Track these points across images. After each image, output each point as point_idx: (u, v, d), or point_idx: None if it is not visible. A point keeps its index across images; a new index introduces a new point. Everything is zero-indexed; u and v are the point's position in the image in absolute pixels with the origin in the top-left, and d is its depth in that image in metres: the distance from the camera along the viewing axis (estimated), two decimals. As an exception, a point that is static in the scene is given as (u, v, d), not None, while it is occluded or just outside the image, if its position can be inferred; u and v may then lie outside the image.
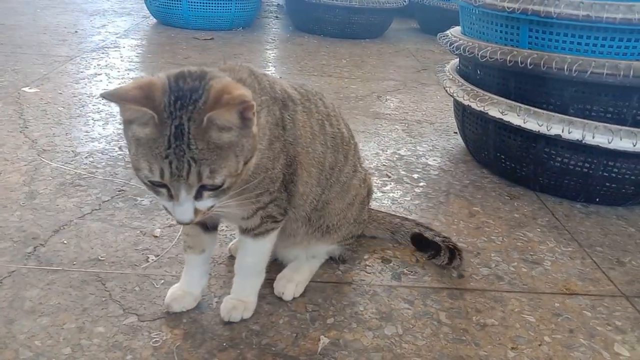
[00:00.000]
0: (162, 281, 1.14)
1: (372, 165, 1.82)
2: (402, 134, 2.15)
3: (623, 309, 1.18)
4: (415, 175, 1.78)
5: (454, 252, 1.25)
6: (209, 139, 0.72)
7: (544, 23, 1.46)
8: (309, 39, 3.90)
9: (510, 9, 1.48)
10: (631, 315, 1.16)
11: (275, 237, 1.01)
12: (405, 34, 4.50)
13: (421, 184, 1.72)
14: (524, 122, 1.52)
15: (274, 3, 5.29)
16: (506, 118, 1.56)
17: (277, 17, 4.76)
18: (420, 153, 1.97)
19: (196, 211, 0.76)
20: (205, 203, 0.77)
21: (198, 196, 0.75)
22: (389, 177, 1.75)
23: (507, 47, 1.55)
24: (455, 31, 1.86)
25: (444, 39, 1.81)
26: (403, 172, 1.79)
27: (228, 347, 0.98)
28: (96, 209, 1.40)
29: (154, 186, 0.76)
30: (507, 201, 1.64)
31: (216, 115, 0.72)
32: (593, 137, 1.44)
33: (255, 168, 0.85)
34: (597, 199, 1.62)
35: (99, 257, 1.21)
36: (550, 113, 1.49)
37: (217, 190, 0.76)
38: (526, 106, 1.53)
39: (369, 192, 1.19)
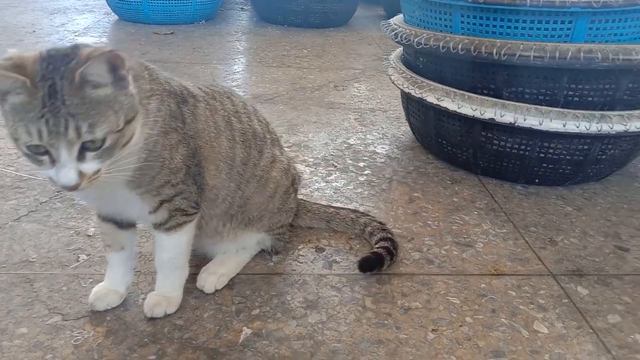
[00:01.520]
0: (91, 280, 1.15)
1: (319, 156, 1.83)
2: (354, 123, 2.16)
3: (548, 287, 1.21)
4: (361, 164, 1.79)
5: (391, 251, 1.25)
6: (83, 94, 0.73)
7: (473, 8, 1.48)
8: (272, 30, 3.89)
9: (441, -5, 1.49)
10: (555, 293, 1.19)
11: (192, 230, 1.02)
12: (371, 21, 4.49)
13: (366, 172, 1.74)
14: (459, 108, 1.53)
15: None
16: (442, 104, 1.58)
17: (242, 8, 4.73)
18: (370, 141, 1.99)
19: (81, 174, 0.76)
20: (90, 166, 0.76)
21: (81, 157, 0.75)
22: (335, 166, 1.77)
23: (441, 33, 1.56)
24: (397, 19, 1.87)
25: (386, 27, 1.82)
26: (350, 161, 1.81)
27: (149, 343, 0.99)
28: (33, 211, 1.40)
29: (35, 155, 0.75)
30: (448, 186, 1.66)
31: (87, 70, 0.73)
32: (525, 120, 1.46)
33: (150, 155, 0.87)
34: (537, 180, 1.65)
35: (30, 259, 1.21)
36: (484, 97, 1.51)
37: (100, 150, 0.76)
38: (461, 91, 1.54)
39: (294, 181, 1.20)
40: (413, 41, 1.60)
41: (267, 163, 1.12)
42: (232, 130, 1.05)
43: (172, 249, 1.02)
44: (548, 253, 1.34)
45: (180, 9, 3.76)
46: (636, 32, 1.45)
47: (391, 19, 1.87)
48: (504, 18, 1.45)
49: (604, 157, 1.59)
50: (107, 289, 1.06)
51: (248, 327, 1.04)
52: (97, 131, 0.74)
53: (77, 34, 3.41)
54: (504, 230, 1.43)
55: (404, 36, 1.65)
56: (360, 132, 2.08)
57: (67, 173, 0.75)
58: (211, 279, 1.11)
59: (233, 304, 1.10)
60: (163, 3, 3.69)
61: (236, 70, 2.84)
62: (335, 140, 1.97)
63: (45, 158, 0.76)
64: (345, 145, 1.94)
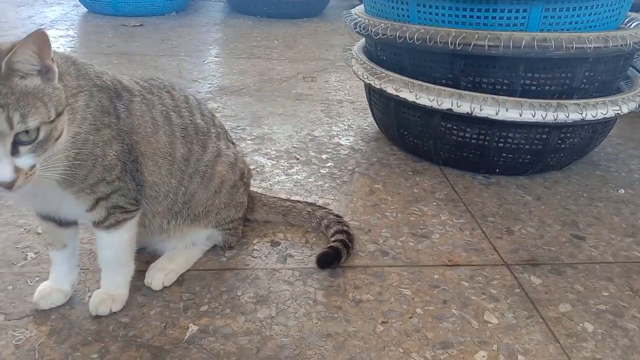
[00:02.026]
0: (37, 278, 1.12)
1: (282, 149, 1.82)
2: (320, 115, 2.15)
3: (501, 277, 1.21)
4: (324, 156, 1.78)
5: (347, 244, 1.24)
6: (11, 84, 0.71)
7: (429, -2, 1.47)
8: (244, 21, 3.85)
9: (398, -15, 1.48)
10: (508, 283, 1.20)
11: (133, 228, 1.00)
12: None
13: (328, 164, 1.73)
14: (417, 98, 1.53)
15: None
16: (401, 95, 1.57)
17: (216, -1, 4.68)
18: (335, 133, 1.98)
19: (17, 170, 0.73)
20: (25, 160, 0.74)
21: (15, 152, 0.73)
22: (298, 159, 1.75)
23: (398, 23, 1.55)
24: (359, 9, 1.85)
25: (346, 17, 1.81)
26: (313, 154, 1.80)
27: (92, 341, 0.97)
28: (-18, 209, 1.37)
29: None
30: (409, 177, 1.66)
31: (13, 58, 0.71)
32: (481, 110, 1.46)
33: (80, 154, 0.85)
34: (497, 170, 1.66)
35: (-24, 258, 1.18)
36: (441, 87, 1.50)
37: (34, 143, 0.74)
38: (419, 82, 1.54)
39: (243, 175, 1.19)
40: (371, 31, 1.59)
41: (212, 158, 1.10)
42: (171, 126, 1.02)
43: (114, 246, 1.00)
44: (504, 243, 1.34)
45: (149, 1, 3.71)
46: (591, 21, 1.46)
47: (352, 9, 1.85)
48: (459, 7, 1.44)
49: (563, 145, 1.59)
50: (51, 288, 1.04)
51: (195, 324, 1.03)
52: (30, 121, 0.72)
53: (43, 27, 3.34)
54: (462, 221, 1.43)
55: (362, 26, 1.64)
56: (326, 123, 2.06)
57: (3, 168, 0.72)
58: (159, 276, 1.10)
59: (181, 300, 1.09)
60: (132, -6, 3.64)
61: (204, 62, 2.80)
62: (300, 133, 1.96)
63: None
64: (310, 137, 1.93)
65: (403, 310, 1.09)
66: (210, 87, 2.40)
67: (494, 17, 1.43)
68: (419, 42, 1.46)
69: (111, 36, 3.19)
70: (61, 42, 3.05)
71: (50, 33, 3.18)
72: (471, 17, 1.44)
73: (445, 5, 1.45)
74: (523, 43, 1.37)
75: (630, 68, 1.76)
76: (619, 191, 1.64)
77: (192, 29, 3.55)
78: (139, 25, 3.46)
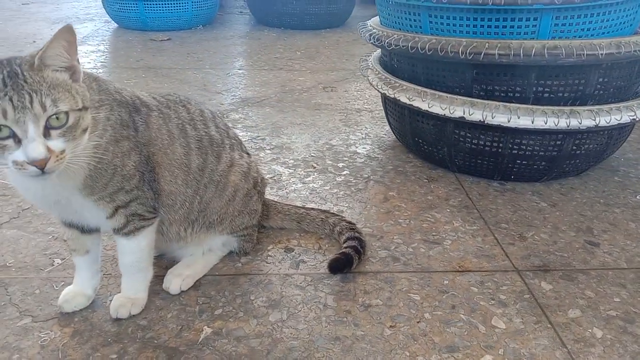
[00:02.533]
0: (63, 283, 1.19)
1: (299, 157, 1.86)
2: (338, 124, 2.19)
3: (511, 283, 1.23)
4: (341, 164, 1.82)
5: (359, 250, 1.27)
6: (44, 76, 0.79)
7: (439, 8, 1.49)
8: (268, 33, 3.93)
9: (409, -3, 1.51)
10: (517, 289, 1.21)
11: (151, 234, 1.06)
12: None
13: (344, 172, 1.76)
14: (430, 107, 1.55)
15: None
16: (415, 104, 1.60)
17: (241, 12, 4.78)
18: (352, 142, 2.01)
19: (50, 151, 0.78)
20: (56, 143, 0.79)
21: (46, 134, 0.79)
22: (314, 167, 1.79)
23: (411, 34, 1.58)
24: (374, 21, 1.89)
25: (362, 29, 1.84)
26: (329, 162, 1.83)
27: (112, 342, 1.03)
28: (14, 217, 1.45)
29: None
30: (424, 184, 1.68)
31: (45, 53, 0.79)
32: (493, 117, 1.47)
33: (101, 163, 0.91)
34: (512, 177, 1.66)
35: (7, 264, 1.25)
36: (454, 96, 1.52)
37: (64, 127, 0.80)
38: (431, 91, 1.56)
39: (256, 184, 1.23)
40: (385, 42, 1.62)
41: (225, 168, 1.15)
42: (186, 138, 1.08)
43: (133, 252, 1.05)
44: (516, 249, 1.35)
45: (177, 15, 3.82)
46: (603, 27, 1.46)
47: (368, 21, 1.89)
48: (470, 17, 1.47)
49: (578, 152, 1.59)
50: (75, 292, 1.10)
51: (209, 327, 1.07)
52: (61, 104, 0.79)
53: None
54: (474, 227, 1.44)
55: (376, 37, 1.68)
56: (344, 132, 2.10)
57: (36, 147, 0.77)
58: (176, 281, 1.15)
59: (197, 304, 1.14)
60: (160, 10, 3.76)
61: (228, 75, 2.87)
62: (318, 142, 2.00)
63: (10, 142, 0.78)
64: (327, 146, 1.97)
65: (411, 314, 1.12)
66: (233, 99, 2.47)
67: (504, 26, 1.44)
68: (431, 52, 1.49)
69: (140, 50, 3.30)
70: (92, 57, 3.17)
71: (82, 49, 3.31)
72: (482, 26, 1.46)
73: (457, 16, 1.48)
74: (533, 51, 1.38)
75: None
76: (638, 197, 1.63)
77: (217, 42, 3.64)
78: (167, 40, 3.57)
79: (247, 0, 4.44)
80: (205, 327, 1.07)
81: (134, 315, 1.09)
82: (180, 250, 1.22)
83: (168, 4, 3.76)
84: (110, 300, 1.12)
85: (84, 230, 1.06)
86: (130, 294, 1.09)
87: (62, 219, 1.06)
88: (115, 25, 4.05)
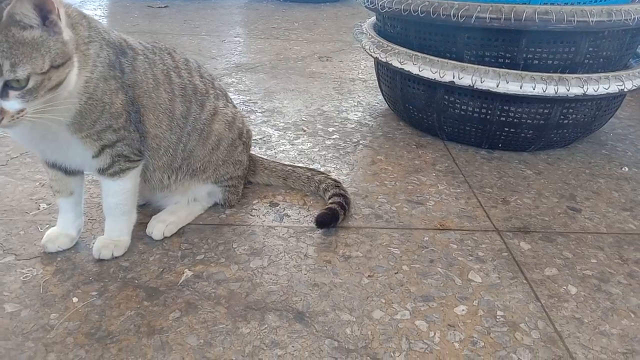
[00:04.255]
0: (47, 225, 1.20)
1: (290, 121, 1.86)
2: (331, 92, 2.19)
3: (491, 242, 1.24)
4: (331, 129, 1.82)
5: (344, 206, 1.28)
6: (8, 33, 0.76)
7: (434, -29, 1.49)
8: (266, 4, 3.91)
9: (403, -42, 1.51)
10: (496, 247, 1.22)
11: (136, 177, 1.07)
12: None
13: (334, 136, 1.77)
14: (420, 71, 1.56)
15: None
16: (405, 67, 1.60)
17: (241, -16, 4.74)
18: (344, 108, 2.02)
19: (2, 111, 0.78)
20: (12, 104, 0.78)
21: (4, 95, 0.78)
22: (305, 131, 1.80)
23: (404, -4, 1.58)
24: (369, -15, 1.88)
25: (357, -7, 1.84)
26: (320, 126, 1.84)
27: (93, 281, 1.04)
28: (3, 165, 1.46)
29: None
30: (412, 150, 1.69)
31: (13, 9, 0.75)
32: (482, 82, 1.48)
33: (91, 99, 0.91)
34: (500, 145, 1.67)
35: (-7, 207, 1.27)
36: (444, 60, 1.53)
37: (23, 90, 0.78)
38: (422, 55, 1.56)
39: (241, 134, 1.24)
40: (378, 5, 1.62)
41: (209, 116, 1.16)
42: (171, 84, 1.08)
43: (117, 194, 1.06)
44: (498, 211, 1.37)
45: (175, -17, 3.79)
46: (596, -5, 1.46)
47: (364, -14, 1.88)
48: (463, -20, 1.46)
49: (566, 121, 1.60)
50: (59, 232, 1.12)
51: (190, 270, 1.09)
52: (19, 71, 0.77)
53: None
54: (459, 190, 1.46)
55: (370, 0, 1.67)
56: (336, 99, 2.10)
57: None
58: (159, 226, 1.16)
59: (180, 249, 1.15)
60: (158, -24, 3.73)
61: (223, 41, 2.87)
62: (310, 107, 2.00)
63: None
64: (319, 111, 1.97)
65: (390, 266, 1.13)
66: (227, 64, 2.46)
67: (497, -10, 1.44)
68: (423, 14, 1.49)
69: (136, 16, 3.28)
70: (88, 20, 3.15)
71: (79, 12, 3.29)
72: (475, -10, 1.46)
73: (450, -22, 1.48)
74: (524, 16, 1.38)
75: (641, 47, 1.75)
76: (623, 169, 1.64)
77: (215, 10, 3.62)
78: (164, 7, 3.55)
79: (247, -28, 4.40)
80: (187, 270, 1.09)
81: (116, 257, 1.11)
82: (165, 199, 1.23)
83: (167, -29, 3.73)
84: (94, 243, 1.14)
85: (68, 171, 1.07)
86: (114, 236, 1.11)
87: (46, 159, 1.06)
88: (114, -9, 4.02)
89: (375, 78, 2.32)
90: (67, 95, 0.86)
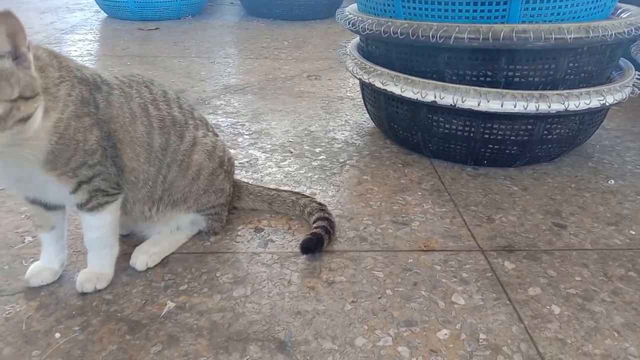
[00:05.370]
0: (32, 259, 1.20)
1: (277, 143, 1.87)
2: (319, 111, 2.20)
3: (474, 262, 1.24)
4: (318, 149, 1.83)
5: (329, 230, 1.29)
6: None
7: (412, -7, 1.51)
8: (257, 24, 3.93)
9: (382, -19, 1.52)
10: (480, 267, 1.23)
11: (115, 211, 1.07)
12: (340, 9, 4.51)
13: (321, 157, 1.78)
14: (402, 91, 1.57)
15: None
16: (388, 88, 1.61)
17: (231, 3, 4.78)
18: (331, 128, 2.03)
19: None
20: None
21: None
22: (291, 152, 1.81)
23: (384, 18, 1.59)
24: (352, 8, 1.90)
25: (340, 15, 1.86)
26: (307, 147, 1.85)
27: (76, 315, 1.04)
28: (-11, 198, 1.47)
29: None
30: (398, 168, 1.70)
31: None
32: (464, 101, 1.49)
33: (63, 138, 0.92)
34: (485, 161, 1.68)
35: (-22, 241, 1.27)
36: (426, 80, 1.54)
37: None
38: (404, 75, 1.58)
39: (222, 163, 1.24)
40: (359, 27, 1.64)
41: (188, 147, 1.16)
42: (148, 117, 1.09)
43: (97, 228, 1.07)
44: (482, 230, 1.37)
45: (165, 5, 3.82)
46: (575, 12, 1.48)
47: (346, 7, 1.90)
48: (441, 1, 1.48)
49: (550, 136, 1.61)
50: (42, 267, 1.12)
51: (173, 301, 1.09)
52: None
53: (64, 31, 3.49)
54: (444, 209, 1.46)
55: (352, 23, 1.69)
56: (324, 119, 2.11)
57: None
58: (142, 257, 1.17)
59: (163, 280, 1.15)
60: (148, -1, 3.76)
61: (212, 63, 2.88)
62: (297, 128, 2.01)
63: None
64: (306, 132, 1.98)
65: (373, 291, 1.14)
66: (216, 85, 2.48)
67: (474, 10, 1.46)
68: (403, 36, 1.50)
69: (127, 39, 3.31)
70: (79, 45, 3.18)
71: (70, 37, 3.32)
72: (453, 10, 1.47)
73: (429, 0, 1.49)
74: (502, 35, 1.40)
75: (623, 59, 1.76)
76: (609, 182, 1.65)
77: (205, 31, 3.65)
78: (155, 29, 3.57)
79: (237, -9, 4.45)
80: (169, 301, 1.09)
81: (99, 290, 1.11)
82: (148, 229, 1.23)
83: (157, -7, 3.76)
84: (77, 276, 1.14)
85: (48, 206, 1.08)
86: (96, 269, 1.11)
87: (25, 196, 1.07)
88: (105, 15, 4.05)
89: (363, 96, 2.34)
90: (32, 134, 0.86)
